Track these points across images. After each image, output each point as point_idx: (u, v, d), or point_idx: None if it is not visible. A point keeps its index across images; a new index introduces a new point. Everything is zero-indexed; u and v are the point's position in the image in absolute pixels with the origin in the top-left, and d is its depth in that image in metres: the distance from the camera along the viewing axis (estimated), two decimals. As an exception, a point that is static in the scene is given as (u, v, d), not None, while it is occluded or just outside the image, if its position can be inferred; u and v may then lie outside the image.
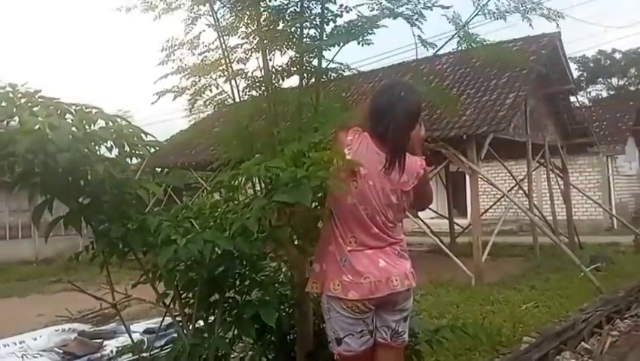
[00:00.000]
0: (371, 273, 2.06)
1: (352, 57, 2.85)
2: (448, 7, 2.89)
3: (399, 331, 2.16)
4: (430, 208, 15.36)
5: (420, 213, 15.31)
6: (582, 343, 4.71)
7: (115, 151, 2.08)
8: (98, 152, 2.02)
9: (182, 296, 2.32)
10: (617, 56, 27.91)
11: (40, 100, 1.91)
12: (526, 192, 11.23)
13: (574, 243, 11.75)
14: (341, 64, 2.76)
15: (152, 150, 2.18)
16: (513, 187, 12.36)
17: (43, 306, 7.82)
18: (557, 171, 12.34)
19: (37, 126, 1.76)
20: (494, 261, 10.09)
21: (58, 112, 1.98)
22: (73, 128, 1.91)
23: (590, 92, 30.92)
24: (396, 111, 2.07)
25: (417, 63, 14.69)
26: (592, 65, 29.24)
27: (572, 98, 12.91)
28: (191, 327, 2.29)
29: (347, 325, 2.11)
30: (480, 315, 5.76)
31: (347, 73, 2.85)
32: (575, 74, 26.76)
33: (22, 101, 1.87)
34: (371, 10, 2.69)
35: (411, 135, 2.14)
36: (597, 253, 9.85)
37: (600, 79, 30.07)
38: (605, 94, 29.77)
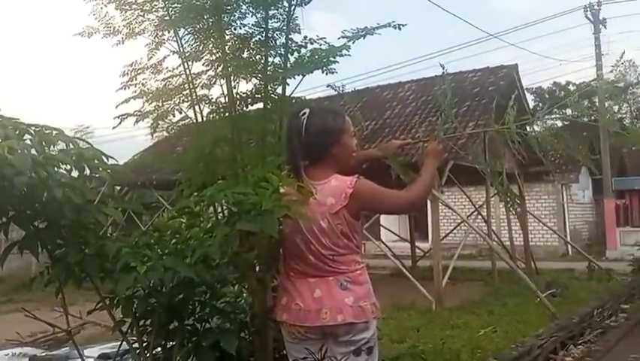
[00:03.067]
0: (303, 301, 2.05)
1: (319, 81, 2.91)
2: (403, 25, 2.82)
3: None
4: (392, 231, 15.59)
5: (382, 237, 15.51)
6: (537, 368, 4.83)
7: (75, 172, 2.06)
8: (56, 174, 1.99)
9: (140, 324, 2.28)
10: (572, 88, 29.16)
11: (-2, 120, 1.88)
12: (485, 218, 11.50)
13: (531, 268, 12.06)
14: (336, 86, 2.78)
15: (112, 173, 2.17)
16: (472, 213, 12.64)
17: (-8, 329, 7.46)
18: (514, 198, 12.67)
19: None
20: (454, 285, 10.25)
21: (17, 132, 1.95)
22: (33, 151, 1.88)
23: (545, 122, 32.10)
24: (289, 141, 2.16)
25: (381, 89, 15.07)
26: (547, 96, 30.43)
27: (529, 128, 13.36)
28: (148, 355, 2.25)
29: (291, 349, 2.15)
30: (440, 340, 5.82)
31: (312, 97, 2.89)
32: (531, 104, 27.78)
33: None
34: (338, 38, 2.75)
35: (335, 153, 2.13)
36: (552, 279, 10.11)
37: (555, 110, 31.31)
38: (560, 124, 30.97)
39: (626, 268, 12.00)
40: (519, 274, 8.78)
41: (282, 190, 1.94)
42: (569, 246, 16.11)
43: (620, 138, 23.39)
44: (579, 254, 13.28)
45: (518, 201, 12.60)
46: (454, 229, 14.10)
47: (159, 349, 2.29)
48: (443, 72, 3.23)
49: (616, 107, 31.25)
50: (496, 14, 52.87)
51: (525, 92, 13.60)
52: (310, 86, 2.89)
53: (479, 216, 12.30)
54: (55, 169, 1.99)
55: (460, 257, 10.81)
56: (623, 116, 31.82)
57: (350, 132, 2.22)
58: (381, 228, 15.73)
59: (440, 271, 8.94)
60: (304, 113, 2.15)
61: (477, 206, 12.34)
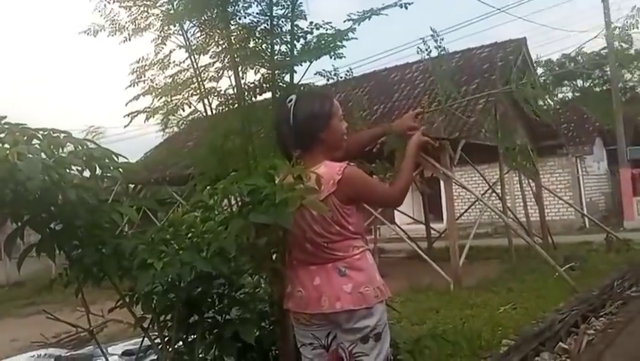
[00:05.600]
0: (305, 287, 2.06)
1: (329, 65, 2.84)
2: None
3: (353, 352, 2.04)
4: (406, 214, 15.56)
5: (397, 220, 15.49)
6: (560, 343, 4.79)
7: (87, 172, 2.06)
8: (69, 175, 1.99)
9: (161, 319, 2.29)
10: (581, 59, 28.74)
11: (5, 126, 1.88)
12: (500, 195, 11.42)
13: (548, 243, 11.98)
14: (327, 72, 2.78)
15: (124, 172, 2.17)
16: (487, 191, 12.56)
17: (17, 331, 7.61)
18: (529, 173, 12.58)
19: (5, 154, 1.73)
20: (471, 264, 10.21)
21: (25, 138, 1.95)
22: (42, 155, 1.89)
23: (557, 94, 31.70)
24: (278, 129, 2.19)
25: (388, 72, 14.93)
26: (557, 68, 30.00)
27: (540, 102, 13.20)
28: (170, 349, 2.27)
29: (298, 335, 2.17)
30: (460, 320, 5.81)
31: (321, 83, 2.87)
32: (541, 78, 27.39)
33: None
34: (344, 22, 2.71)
35: (324, 138, 2.12)
36: (571, 253, 10.04)
37: (566, 81, 30.84)
38: (571, 96, 30.55)
39: (645, 238, 11.90)
40: (536, 249, 8.72)
41: (285, 180, 1.92)
42: (586, 218, 15.96)
43: (633, 106, 23.11)
44: (596, 226, 13.16)
45: (532, 176, 12.52)
46: (468, 208, 14.02)
47: (181, 343, 2.31)
48: (444, 52, 3.11)
49: (628, 75, 30.84)
50: (502, -12, 52.01)
51: (534, 65, 13.40)
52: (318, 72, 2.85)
53: (494, 194, 12.21)
54: (67, 171, 1.99)
55: (475, 236, 10.76)
56: (636, 84, 31.30)
57: (339, 116, 2.19)
58: (395, 211, 15.69)
59: (457, 251, 8.91)
60: (291, 100, 2.13)
61: (491, 184, 12.25)
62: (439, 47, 2.91)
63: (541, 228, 12.46)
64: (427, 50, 3.12)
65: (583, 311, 5.61)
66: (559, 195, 14.37)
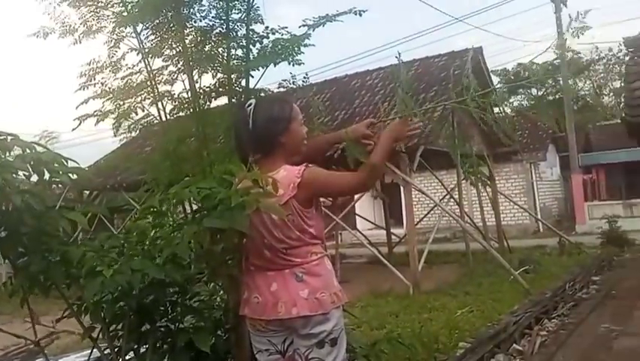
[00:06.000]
0: (261, 293, 2.04)
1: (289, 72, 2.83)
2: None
3: (310, 358, 2.03)
4: (367, 220, 15.68)
5: (358, 225, 15.59)
6: (514, 344, 4.92)
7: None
8: (15, 180, 1.92)
9: (112, 328, 2.23)
10: (535, 67, 29.70)
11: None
12: (457, 200, 11.66)
13: (503, 247, 12.29)
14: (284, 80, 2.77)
15: (75, 177, 2.10)
16: (445, 196, 12.80)
17: (-40, 345, 7.24)
18: (485, 179, 12.90)
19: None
20: (430, 268, 10.38)
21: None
22: (-13, 159, 1.81)
23: (512, 102, 32.71)
24: (236, 134, 2.20)
25: (349, 78, 15.07)
26: (513, 77, 30.93)
27: (496, 109, 13.58)
28: (121, 360, 2.20)
29: (254, 341, 2.15)
30: (418, 323, 5.89)
31: (280, 90, 2.86)
32: (497, 86, 28.21)
33: None
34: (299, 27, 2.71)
35: (284, 142, 2.10)
36: (525, 257, 10.31)
37: (521, 90, 31.86)
38: (526, 104, 31.53)
39: (595, 241, 12.36)
40: (492, 253, 8.94)
41: (241, 184, 1.90)
42: (540, 223, 16.45)
43: (585, 115, 24.06)
44: (550, 230, 13.60)
45: (488, 182, 12.83)
46: (427, 214, 14.26)
47: (132, 353, 2.25)
48: (400, 61, 3.13)
49: (580, 84, 32.10)
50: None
51: (491, 74, 13.78)
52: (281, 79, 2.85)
53: (452, 199, 12.45)
54: (14, 175, 1.92)
55: (434, 241, 10.94)
56: (587, 93, 32.61)
57: (299, 120, 2.19)
58: (357, 217, 15.80)
59: (416, 255, 9.03)
60: (250, 104, 2.12)
61: (449, 189, 12.49)
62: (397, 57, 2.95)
63: (497, 232, 12.78)
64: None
65: (536, 313, 5.78)
66: (514, 201, 14.78)
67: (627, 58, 9.46)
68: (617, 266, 9.58)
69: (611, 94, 30.88)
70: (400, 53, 3.08)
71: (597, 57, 30.13)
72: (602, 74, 31.50)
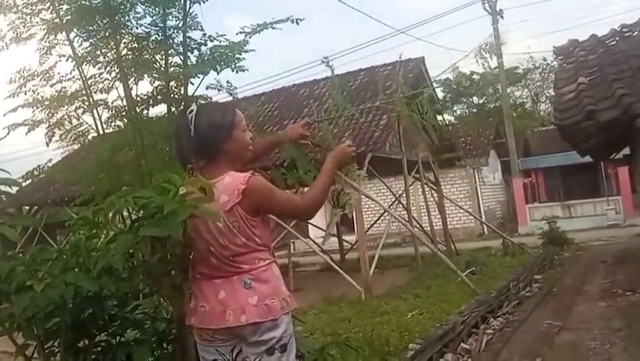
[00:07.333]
0: (208, 302, 2.00)
1: (241, 81, 2.82)
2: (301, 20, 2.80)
3: None
4: (319, 227, 15.73)
5: (310, 233, 15.59)
6: (462, 344, 5.04)
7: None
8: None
9: (47, 345, 2.12)
10: (476, 77, 30.77)
11: None
12: (405, 206, 11.88)
13: (451, 250, 12.62)
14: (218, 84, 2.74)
15: (9, 189, 2.00)
16: (393, 202, 13.02)
17: None
18: (431, 185, 13.23)
19: None
20: (382, 273, 10.53)
21: None
22: None
23: (455, 110, 33.74)
24: (177, 140, 2.17)
25: (297, 88, 15.16)
26: (455, 86, 31.94)
27: (439, 117, 13.99)
28: (57, 378, 2.10)
29: (202, 351, 2.10)
30: (370, 327, 5.95)
31: (228, 98, 2.83)
32: (440, 95, 29.11)
33: None
34: (236, 34, 2.70)
35: (227, 148, 2.08)
36: (471, 258, 10.63)
37: (463, 98, 32.91)
38: (468, 112, 32.58)
39: (536, 242, 12.90)
40: (440, 256, 9.16)
41: (182, 191, 1.86)
42: (485, 226, 16.99)
43: (523, 122, 25.11)
44: (494, 233, 14.08)
45: (434, 187, 13.16)
46: (377, 220, 14.45)
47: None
48: (332, 69, 3.18)
49: (517, 93, 33.47)
50: (406, 12, 55.11)
51: (434, 83, 14.20)
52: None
53: (400, 205, 12.68)
54: None
55: (385, 246, 11.11)
56: (525, 100, 34.07)
57: (242, 126, 2.16)
58: (309, 225, 15.81)
59: (367, 261, 9.14)
60: (192, 111, 2.08)
61: (397, 195, 12.71)
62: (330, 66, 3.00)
63: (444, 235, 13.11)
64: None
65: (482, 313, 5.94)
66: (459, 205, 15.22)
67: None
68: (558, 265, 10.01)
69: (547, 101, 32.36)
70: (331, 64, 3.13)
71: (533, 66, 31.57)
72: (538, 83, 33.00)
